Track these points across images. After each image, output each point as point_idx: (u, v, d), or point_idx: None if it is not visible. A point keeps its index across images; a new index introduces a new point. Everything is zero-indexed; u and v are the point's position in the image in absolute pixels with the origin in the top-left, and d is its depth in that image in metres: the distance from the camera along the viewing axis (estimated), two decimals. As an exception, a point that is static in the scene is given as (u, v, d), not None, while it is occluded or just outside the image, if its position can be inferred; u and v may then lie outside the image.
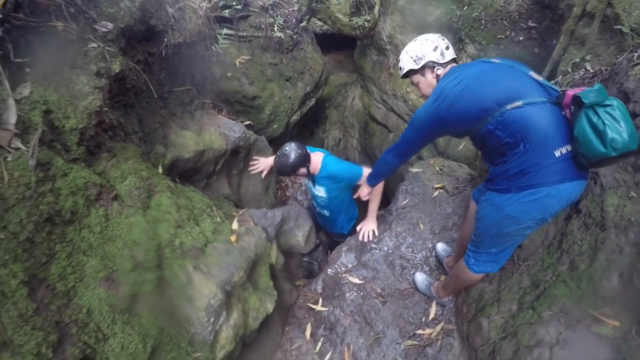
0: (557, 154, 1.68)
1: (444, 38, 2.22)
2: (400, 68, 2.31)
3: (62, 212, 1.68)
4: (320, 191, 3.15)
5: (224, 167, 3.28)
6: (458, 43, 4.56)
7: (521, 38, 4.06)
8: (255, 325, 2.39)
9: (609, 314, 1.88)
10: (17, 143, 1.60)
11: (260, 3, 4.14)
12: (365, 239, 3.25)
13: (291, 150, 2.83)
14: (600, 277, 1.97)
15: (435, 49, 2.15)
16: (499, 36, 4.20)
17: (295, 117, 4.64)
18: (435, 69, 2.15)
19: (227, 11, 3.91)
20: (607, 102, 1.54)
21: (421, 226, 3.23)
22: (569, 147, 1.68)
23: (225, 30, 3.63)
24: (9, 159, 1.55)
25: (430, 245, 3.10)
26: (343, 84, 6.48)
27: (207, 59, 3.37)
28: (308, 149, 2.99)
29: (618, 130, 1.49)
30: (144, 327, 1.81)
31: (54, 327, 1.49)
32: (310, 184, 3.25)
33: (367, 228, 3.26)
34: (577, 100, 1.60)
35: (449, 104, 1.87)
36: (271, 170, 3.33)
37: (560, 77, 2.82)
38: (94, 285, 1.70)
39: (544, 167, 1.70)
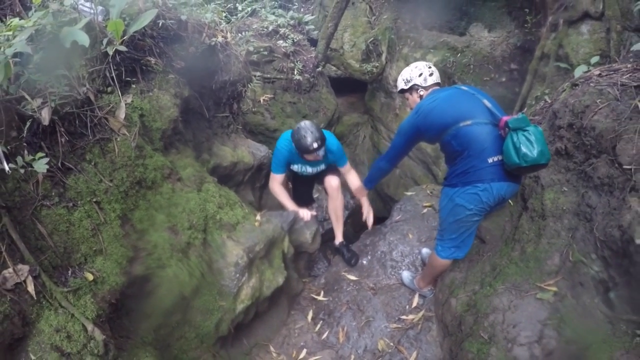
0: (490, 160, 2.50)
1: (431, 66, 2.97)
2: (397, 86, 3.08)
3: (147, 180, 2.60)
4: (321, 166, 3.85)
5: (250, 179, 4.20)
6: (452, 85, 5.56)
7: (504, 79, 5.02)
8: (268, 292, 3.17)
9: (550, 284, 2.54)
10: (124, 130, 2.54)
11: (283, 50, 5.25)
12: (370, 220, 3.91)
13: (311, 124, 3.41)
14: (544, 257, 2.66)
15: (420, 74, 2.89)
16: (485, 78, 5.19)
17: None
18: (418, 91, 2.90)
19: (255, 56, 5.01)
20: (526, 128, 2.34)
21: (410, 236, 4.01)
22: (500, 157, 2.49)
23: (258, 73, 4.70)
24: (118, 139, 2.48)
25: (417, 251, 3.86)
26: (355, 124, 7.39)
27: (243, 95, 4.40)
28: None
29: (530, 148, 2.29)
30: (191, 267, 2.63)
31: (131, 249, 2.32)
32: (309, 166, 3.81)
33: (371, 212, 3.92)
34: (506, 125, 2.46)
35: (424, 116, 2.66)
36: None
37: (526, 109, 3.73)
38: (161, 229, 2.57)
39: (480, 169, 2.52)
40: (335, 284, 3.82)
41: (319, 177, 4.05)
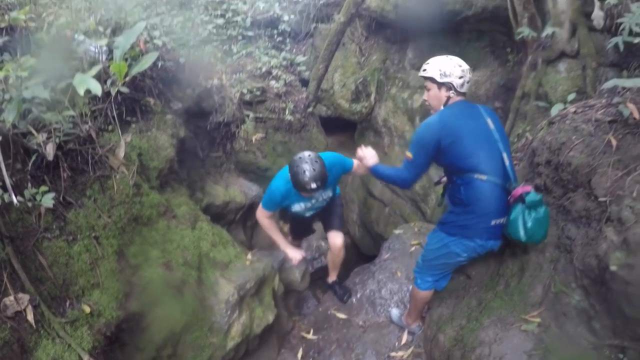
0: (493, 223, 2.69)
1: (471, 72, 2.78)
2: (425, 70, 2.73)
3: (143, 216, 2.77)
4: (326, 195, 3.46)
5: (241, 218, 4.38)
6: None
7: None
8: (258, 330, 3.28)
9: (534, 315, 2.68)
10: (123, 168, 2.74)
11: (275, 90, 5.58)
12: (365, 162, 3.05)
13: (312, 159, 2.95)
14: (527, 289, 2.81)
15: (461, 78, 2.67)
16: None
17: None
18: (450, 91, 2.68)
19: (248, 96, 5.31)
20: (539, 209, 2.57)
21: (399, 274, 4.16)
22: (502, 220, 2.70)
23: (251, 115, 4.98)
24: (117, 177, 2.68)
25: (405, 288, 4.00)
26: (344, 162, 7.70)
27: (236, 135, 4.66)
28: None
29: (537, 230, 2.54)
30: (183, 304, 2.76)
31: (127, 284, 2.48)
32: (309, 200, 3.37)
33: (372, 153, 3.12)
34: (522, 198, 2.62)
35: (445, 135, 2.58)
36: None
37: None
38: (155, 265, 2.72)
39: (482, 229, 2.69)
40: (325, 322, 3.92)
41: (324, 213, 3.76)
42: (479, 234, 2.69)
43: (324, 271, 4.31)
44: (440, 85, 2.70)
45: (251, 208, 4.55)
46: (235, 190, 4.29)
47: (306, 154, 3.01)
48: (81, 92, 1.83)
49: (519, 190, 2.63)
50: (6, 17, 2.45)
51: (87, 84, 1.84)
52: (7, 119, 1.80)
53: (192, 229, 3.15)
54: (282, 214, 3.93)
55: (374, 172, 3.02)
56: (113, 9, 3.44)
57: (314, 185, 2.88)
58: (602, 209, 2.52)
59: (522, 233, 2.54)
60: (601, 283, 2.36)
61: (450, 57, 2.78)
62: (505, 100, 5.23)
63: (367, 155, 3.00)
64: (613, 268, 2.23)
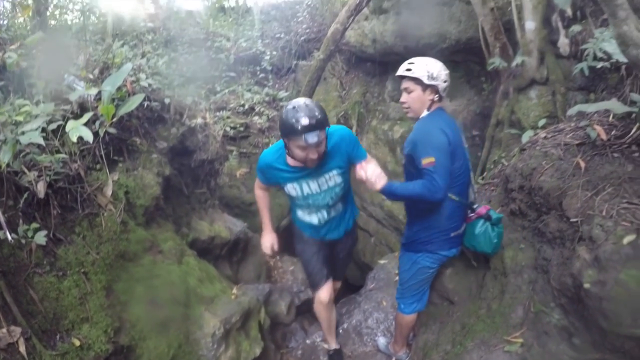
0: (453, 234, 2.89)
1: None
2: (410, 70, 2.53)
3: (129, 253, 2.88)
4: (332, 176, 2.71)
5: (227, 253, 4.48)
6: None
7: (467, 145, 5.55)
8: (246, 364, 3.33)
9: (516, 336, 2.81)
10: (111, 206, 2.87)
11: (258, 126, 5.80)
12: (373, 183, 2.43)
13: (309, 101, 2.39)
14: (508, 311, 2.96)
15: (445, 82, 2.58)
16: None
17: (284, 222, 5.97)
18: (434, 95, 2.57)
19: (232, 132, 5.52)
20: (500, 224, 2.86)
21: (384, 303, 4.28)
22: (461, 231, 2.92)
23: (234, 149, 5.17)
24: (105, 214, 2.80)
25: (391, 317, 4.11)
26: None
27: (219, 172, 4.81)
28: None
29: (498, 243, 2.88)
30: (170, 339, 2.83)
31: (116, 319, 2.56)
32: (309, 182, 2.72)
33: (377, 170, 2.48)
34: (488, 215, 2.89)
35: (449, 143, 2.55)
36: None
37: (485, 172, 4.23)
38: (142, 302, 2.80)
39: (443, 241, 2.88)
40: (313, 354, 3.99)
41: (336, 249, 3.31)
42: (441, 247, 2.89)
43: (310, 304, 4.38)
44: (425, 87, 2.56)
45: (236, 243, 4.66)
46: (220, 226, 4.40)
47: (301, 98, 2.47)
48: (74, 138, 2.01)
49: (484, 209, 2.89)
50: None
51: (80, 131, 2.03)
52: (2, 160, 1.94)
53: (179, 264, 3.25)
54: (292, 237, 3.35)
55: (388, 193, 2.49)
56: (101, 49, 3.68)
57: (304, 121, 2.22)
58: (575, 229, 2.71)
59: (487, 247, 2.86)
60: (578, 301, 2.52)
61: (434, 59, 2.61)
62: (482, 128, 5.52)
63: (372, 175, 2.39)
64: (586, 286, 2.39)
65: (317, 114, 2.27)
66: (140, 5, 7.27)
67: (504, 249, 3.25)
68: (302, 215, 3.03)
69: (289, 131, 2.32)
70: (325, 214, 2.96)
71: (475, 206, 2.95)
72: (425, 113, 2.64)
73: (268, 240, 3.20)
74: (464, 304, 3.47)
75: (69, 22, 5.59)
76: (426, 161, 2.41)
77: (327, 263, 3.27)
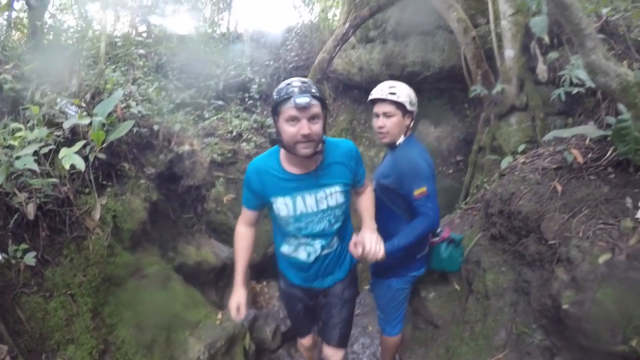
0: (419, 256, 2.97)
1: None
2: (395, 94, 2.52)
3: (116, 276, 2.94)
4: (335, 192, 2.29)
5: (213, 278, 4.52)
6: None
7: (451, 171, 5.80)
8: (232, 391, 3.36)
9: (500, 358, 2.90)
10: (98, 230, 2.95)
11: (246, 152, 5.93)
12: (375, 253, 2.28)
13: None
14: (491, 333, 3.06)
15: (416, 109, 2.70)
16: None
17: (271, 249, 6.02)
18: (411, 122, 2.67)
19: (220, 158, 5.63)
20: (461, 245, 3.02)
21: (370, 328, 4.35)
22: (425, 252, 3.02)
23: (221, 179, 5.28)
24: (92, 238, 2.88)
25: (376, 342, 4.16)
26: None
27: (206, 197, 4.91)
28: None
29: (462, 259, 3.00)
30: (154, 363, 2.88)
31: (102, 342, 2.62)
32: (305, 195, 2.25)
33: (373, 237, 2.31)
34: (450, 239, 3.04)
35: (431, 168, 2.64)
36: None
37: (469, 197, 4.37)
38: (128, 326, 2.85)
39: (410, 264, 2.97)
40: (299, 381, 4.02)
41: (327, 305, 2.67)
42: (410, 269, 2.99)
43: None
44: (405, 112, 2.60)
45: (223, 269, 4.71)
46: (207, 251, 4.47)
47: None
48: (67, 166, 2.12)
49: (447, 233, 3.07)
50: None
51: (72, 159, 2.17)
52: (-4, 181, 2.04)
53: (164, 288, 3.30)
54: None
55: (394, 253, 2.45)
56: (93, 74, 3.82)
57: (295, 83, 2.04)
58: (553, 251, 2.85)
59: (457, 266, 3.07)
60: (558, 321, 2.63)
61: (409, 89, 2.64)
62: (466, 153, 5.73)
63: (370, 247, 2.24)
64: (565, 306, 2.51)
65: (309, 83, 2.08)
66: (134, 30, 7.51)
67: (486, 272, 3.37)
68: (288, 249, 2.45)
69: (278, 98, 2.03)
70: (317, 247, 2.38)
71: (438, 230, 3.11)
72: (401, 139, 2.68)
73: (235, 299, 2.49)
74: (447, 327, 3.56)
75: (63, 43, 5.76)
76: (418, 192, 2.48)
77: (314, 320, 2.87)
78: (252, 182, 2.29)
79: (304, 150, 2.05)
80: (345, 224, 2.47)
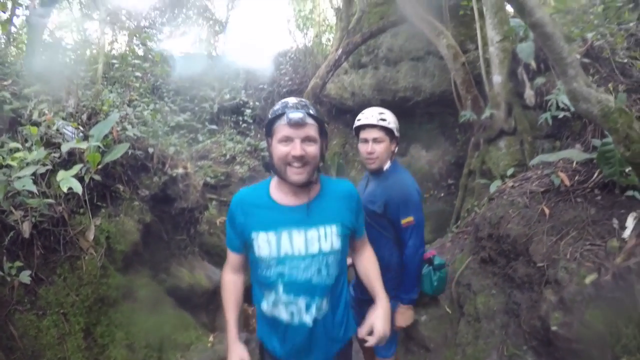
0: None
1: None
2: (385, 120, 2.53)
3: (109, 297, 2.97)
4: (330, 233, 1.89)
5: (206, 302, 4.53)
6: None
7: (442, 194, 5.89)
8: (223, 415, 3.35)
9: None
10: (92, 250, 2.98)
11: (239, 175, 6.00)
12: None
13: None
14: (483, 356, 3.08)
15: None
16: (425, 195, 6.01)
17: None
18: (396, 147, 2.65)
19: (213, 180, 5.70)
20: (443, 270, 2.89)
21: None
22: None
23: (214, 202, 5.34)
24: (86, 258, 2.91)
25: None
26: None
27: (199, 220, 4.95)
28: None
29: (440, 286, 2.84)
30: (145, 384, 2.89)
31: (93, 362, 2.64)
32: (292, 232, 1.86)
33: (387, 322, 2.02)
34: (430, 260, 3.00)
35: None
36: None
37: (460, 221, 4.44)
38: (119, 346, 2.87)
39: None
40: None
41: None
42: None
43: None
44: (393, 139, 2.62)
45: (215, 292, 4.73)
46: (200, 274, 4.50)
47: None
48: (64, 189, 2.19)
49: (429, 254, 2.96)
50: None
51: (70, 182, 2.23)
52: (-7, 200, 2.10)
53: (155, 310, 3.33)
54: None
55: (410, 303, 2.63)
56: (90, 94, 3.91)
57: (291, 101, 1.85)
58: (541, 273, 2.91)
59: (430, 289, 2.83)
60: (548, 342, 2.67)
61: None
62: (457, 177, 5.83)
63: (383, 335, 1.97)
64: (554, 328, 2.57)
65: (307, 102, 1.88)
66: (130, 52, 7.63)
67: (477, 295, 3.42)
68: (267, 307, 1.93)
69: (273, 115, 1.83)
70: (301, 306, 1.90)
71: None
72: (388, 164, 2.68)
73: (236, 357, 1.99)
74: (440, 350, 3.58)
75: (61, 61, 5.85)
76: (405, 221, 2.53)
77: None
78: (235, 215, 1.93)
79: (295, 176, 1.79)
80: (340, 284, 2.01)
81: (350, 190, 2.01)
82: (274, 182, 1.96)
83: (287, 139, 1.78)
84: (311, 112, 1.81)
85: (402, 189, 2.58)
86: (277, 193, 1.92)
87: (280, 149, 1.79)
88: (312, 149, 1.80)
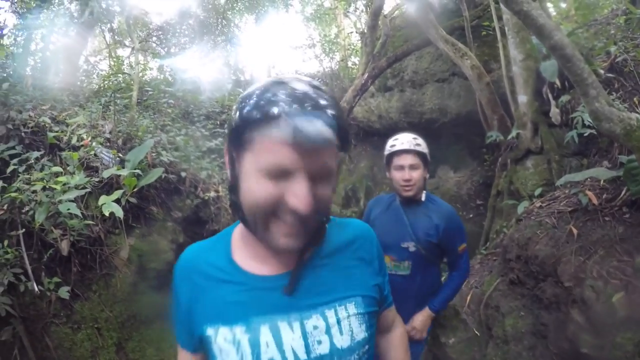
0: None
1: None
2: (420, 145, 2.45)
3: (141, 315, 3.10)
4: (345, 316, 1.00)
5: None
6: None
7: (471, 215, 5.82)
8: None
9: None
10: (125, 269, 3.13)
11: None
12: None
13: None
14: (511, 377, 3.10)
15: None
16: None
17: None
18: (428, 174, 2.55)
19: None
20: None
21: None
22: None
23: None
24: (120, 276, 3.06)
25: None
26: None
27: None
28: None
29: None
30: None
31: (125, 377, 2.76)
32: (277, 321, 0.95)
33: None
34: None
35: None
36: None
37: (489, 242, 4.40)
38: (151, 362, 2.99)
39: None
40: None
41: None
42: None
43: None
44: (426, 164, 2.49)
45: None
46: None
47: None
48: (106, 213, 2.37)
49: None
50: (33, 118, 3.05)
51: (111, 207, 2.42)
52: (37, 220, 2.27)
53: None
54: None
55: (436, 313, 2.59)
56: (125, 120, 4.15)
57: (304, 89, 0.89)
58: (568, 293, 2.87)
59: None
60: (576, 364, 2.63)
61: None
62: (486, 197, 5.79)
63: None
64: (584, 350, 2.53)
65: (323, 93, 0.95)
66: (164, 80, 7.98)
67: (505, 317, 3.38)
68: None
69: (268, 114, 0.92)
70: None
71: None
72: (423, 193, 2.57)
73: None
74: (469, 373, 3.55)
75: (97, 87, 6.22)
76: (462, 248, 2.54)
77: None
78: (179, 293, 1.10)
79: (283, 239, 0.92)
80: None
81: (363, 233, 1.18)
82: (237, 235, 1.09)
83: (284, 145, 0.90)
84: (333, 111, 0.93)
85: (455, 217, 2.55)
86: (244, 255, 1.05)
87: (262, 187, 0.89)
88: (328, 167, 0.94)
